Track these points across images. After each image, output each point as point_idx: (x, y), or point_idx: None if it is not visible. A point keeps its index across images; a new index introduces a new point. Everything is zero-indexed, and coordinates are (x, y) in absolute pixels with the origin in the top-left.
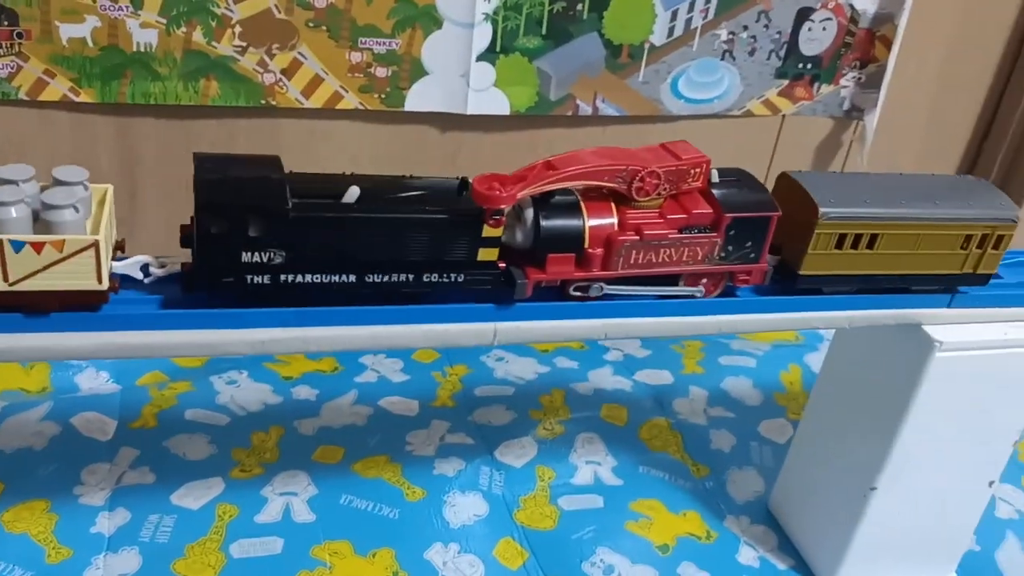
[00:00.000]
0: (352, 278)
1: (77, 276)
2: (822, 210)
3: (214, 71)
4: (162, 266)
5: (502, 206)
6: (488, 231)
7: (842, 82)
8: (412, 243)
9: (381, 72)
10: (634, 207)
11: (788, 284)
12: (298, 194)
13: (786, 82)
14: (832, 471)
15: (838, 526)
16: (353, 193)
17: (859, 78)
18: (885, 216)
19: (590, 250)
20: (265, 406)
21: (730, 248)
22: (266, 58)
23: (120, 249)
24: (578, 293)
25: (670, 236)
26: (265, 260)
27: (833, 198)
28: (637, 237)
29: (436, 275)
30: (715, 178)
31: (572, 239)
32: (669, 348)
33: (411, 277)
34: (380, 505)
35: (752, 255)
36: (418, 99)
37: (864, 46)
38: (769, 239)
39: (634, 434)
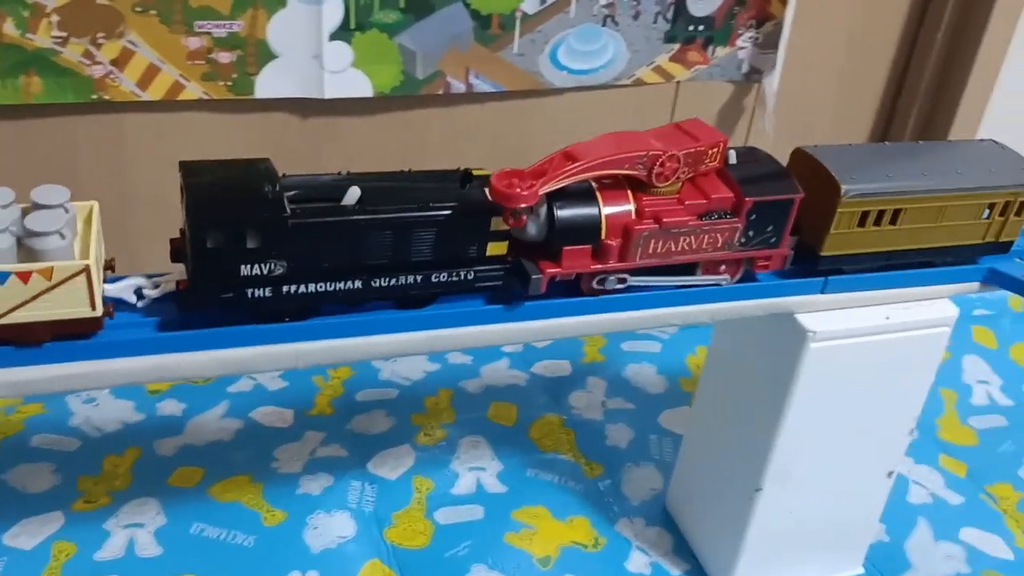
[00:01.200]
0: (358, 284)
1: (69, 304)
2: (845, 187)
3: (34, 66)
4: (156, 287)
5: (525, 204)
6: (497, 224)
7: (738, 43)
8: (419, 242)
9: (224, 57)
10: (651, 193)
11: (809, 266)
12: (295, 199)
13: (677, 46)
14: (720, 469)
15: (729, 526)
16: (354, 194)
17: (756, 38)
18: (910, 190)
19: (607, 241)
20: (124, 426)
21: (751, 233)
22: (92, 48)
23: (110, 268)
24: (598, 287)
25: (690, 223)
26: (266, 272)
27: (854, 173)
28: (656, 226)
29: (445, 274)
30: (732, 159)
31: (589, 230)
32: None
33: (419, 278)
34: (235, 533)
35: (773, 239)
36: (269, 85)
37: (759, 3)
38: (791, 223)
39: (524, 434)
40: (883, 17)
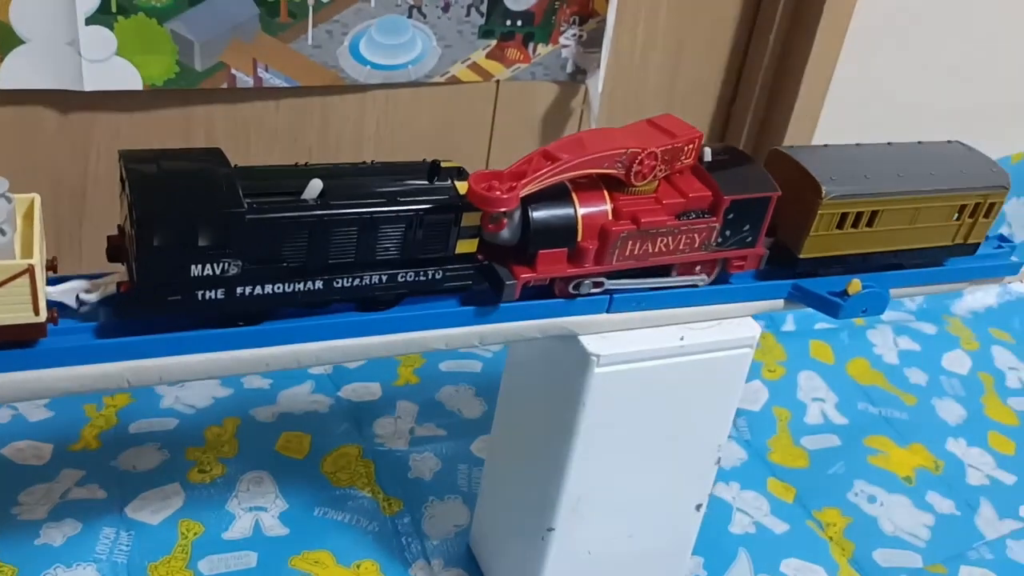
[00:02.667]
0: (319, 284)
1: (9, 308)
2: (826, 189)
3: None
4: (92, 290)
5: (505, 208)
6: (467, 220)
7: (561, 41)
8: (385, 240)
9: None
10: (628, 193)
11: (787, 268)
12: (251, 193)
13: (494, 43)
14: (515, 505)
15: (525, 568)
16: (315, 188)
17: (580, 36)
18: (887, 191)
19: (584, 243)
20: None
21: (728, 233)
22: None
23: (52, 269)
24: (573, 291)
25: (668, 223)
26: (218, 272)
27: (833, 175)
28: (634, 226)
29: (412, 273)
30: (707, 156)
31: (565, 233)
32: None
33: (384, 278)
34: None
35: (749, 239)
36: (17, 74)
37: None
38: (767, 221)
39: (316, 467)
40: (715, 18)
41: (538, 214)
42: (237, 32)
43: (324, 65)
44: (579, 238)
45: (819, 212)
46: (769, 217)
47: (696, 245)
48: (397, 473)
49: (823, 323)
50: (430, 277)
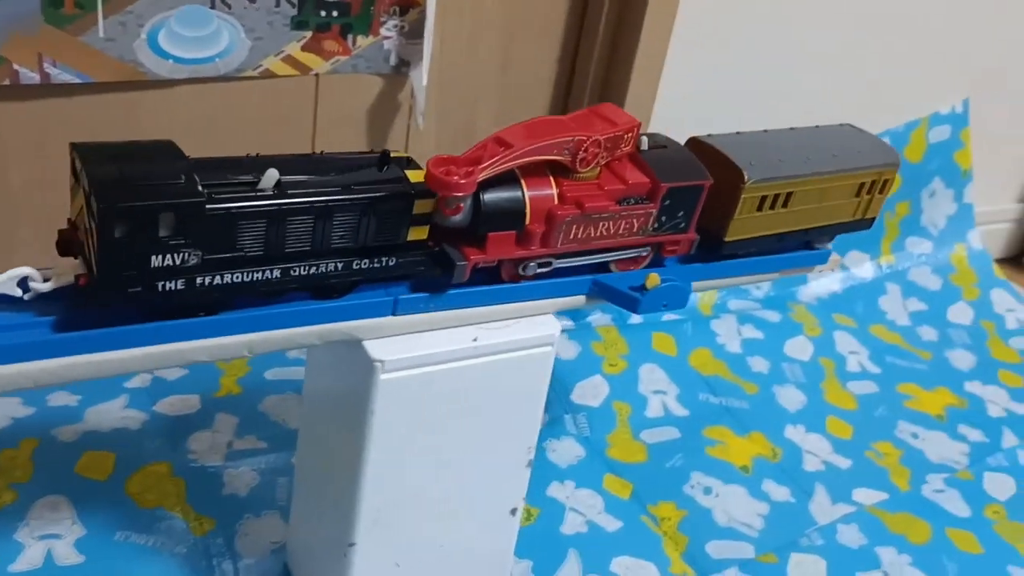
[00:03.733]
0: (276, 273)
1: None
2: (747, 174)
3: None
4: (46, 280)
5: (463, 193)
6: (420, 208)
7: (382, 32)
8: (340, 228)
9: None
10: (572, 179)
11: (713, 251)
12: (207, 183)
13: (309, 34)
14: (320, 520)
15: None
16: (271, 177)
17: (402, 27)
18: (800, 174)
19: (531, 227)
20: None
21: (663, 218)
22: None
23: None
24: (520, 273)
25: (610, 208)
26: (178, 262)
27: (752, 160)
28: (578, 211)
29: (367, 261)
30: (644, 144)
31: (514, 216)
32: (213, 365)
33: (340, 266)
34: None
35: (682, 224)
36: None
37: None
38: (699, 208)
39: (120, 489)
40: (545, 2)
41: (489, 197)
42: (17, 24)
43: (120, 59)
44: (527, 221)
45: (743, 196)
46: (701, 204)
47: (634, 230)
48: (210, 490)
49: (671, 314)
50: (383, 264)
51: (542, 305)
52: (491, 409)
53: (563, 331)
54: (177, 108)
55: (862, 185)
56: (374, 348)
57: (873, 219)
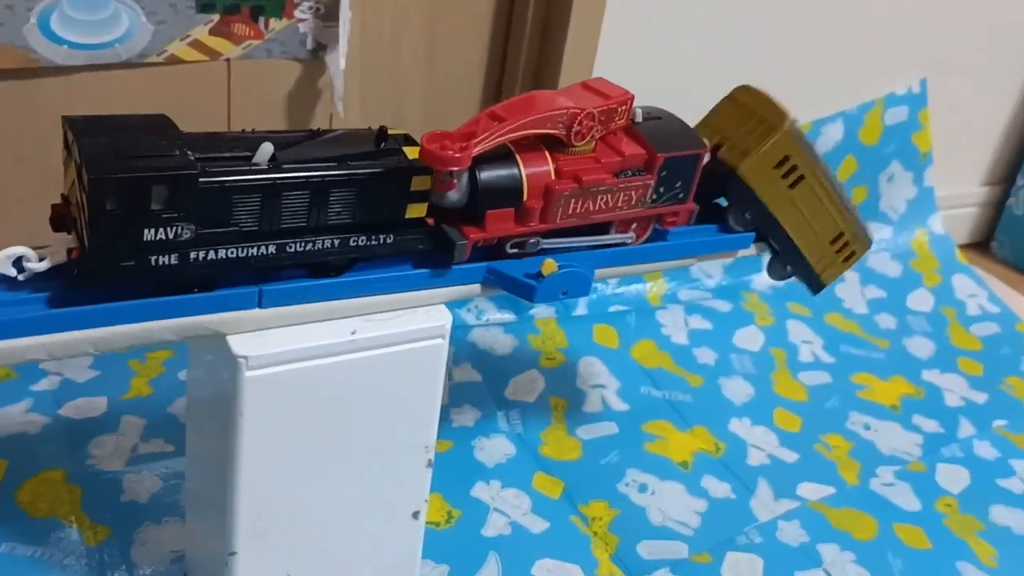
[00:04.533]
0: (272, 249)
1: None
2: (789, 118)
3: None
4: (42, 259)
5: (458, 168)
6: (417, 184)
7: (297, 14)
8: (337, 204)
9: None
10: (568, 153)
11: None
12: (201, 157)
13: (216, 17)
14: (205, 528)
15: None
16: (265, 152)
17: (317, 9)
18: (826, 176)
19: (529, 203)
20: None
21: (661, 190)
22: None
23: None
24: (515, 250)
25: (608, 181)
26: (171, 236)
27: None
28: (576, 185)
29: (364, 238)
30: (638, 116)
31: (511, 192)
32: (125, 364)
33: (336, 242)
34: None
35: (681, 195)
36: None
37: None
38: (697, 178)
39: (9, 497)
40: None
41: (485, 174)
42: None
43: (11, 45)
44: (525, 197)
45: (775, 138)
46: (699, 174)
47: (633, 202)
48: (107, 497)
49: (617, 306)
50: (381, 241)
51: (433, 295)
52: (379, 407)
53: (500, 325)
54: (77, 96)
55: (840, 235)
56: (238, 343)
57: (822, 286)
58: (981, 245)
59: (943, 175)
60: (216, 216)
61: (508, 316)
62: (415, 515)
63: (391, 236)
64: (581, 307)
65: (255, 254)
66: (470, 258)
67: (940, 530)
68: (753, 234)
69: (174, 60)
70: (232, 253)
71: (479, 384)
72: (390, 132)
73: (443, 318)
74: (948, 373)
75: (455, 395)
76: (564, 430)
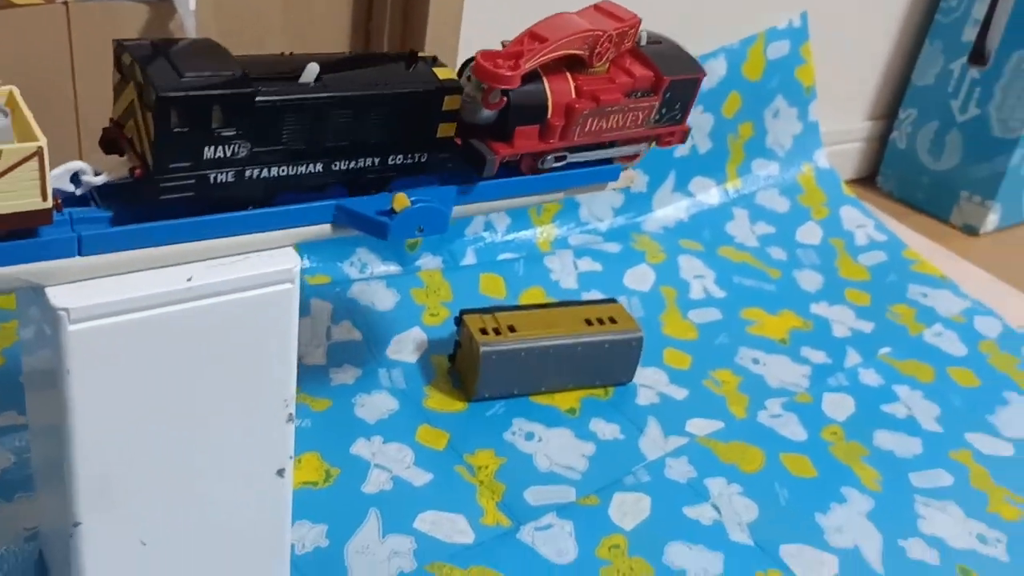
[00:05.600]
0: (319, 167)
1: (17, 195)
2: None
3: None
4: (97, 174)
5: (510, 86)
6: (448, 103)
7: None
8: (377, 122)
9: None
10: (586, 74)
11: None
12: (255, 77)
13: None
14: (53, 498)
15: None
16: (311, 71)
17: None
18: None
19: (552, 120)
20: None
21: (664, 111)
22: None
23: None
24: (540, 166)
25: (621, 101)
26: (229, 154)
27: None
28: (595, 104)
29: (401, 156)
30: (643, 40)
31: (538, 110)
32: None
33: (376, 161)
34: None
35: (678, 116)
36: None
37: None
38: (694, 100)
39: None
40: None
41: (516, 92)
42: None
43: None
44: (549, 115)
45: None
46: (696, 96)
47: (639, 122)
48: None
49: (506, 253)
50: (416, 160)
51: (278, 237)
52: (227, 360)
53: (380, 277)
54: None
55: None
56: (57, 295)
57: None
58: (867, 180)
59: (828, 111)
60: (269, 134)
61: (393, 268)
62: (280, 473)
63: (425, 155)
64: (469, 256)
65: (304, 172)
66: (319, 197)
67: (826, 458)
68: (620, 165)
69: (5, 4)
70: (283, 171)
71: (359, 343)
72: (420, 55)
73: (290, 261)
74: (836, 305)
75: (334, 354)
76: (449, 383)
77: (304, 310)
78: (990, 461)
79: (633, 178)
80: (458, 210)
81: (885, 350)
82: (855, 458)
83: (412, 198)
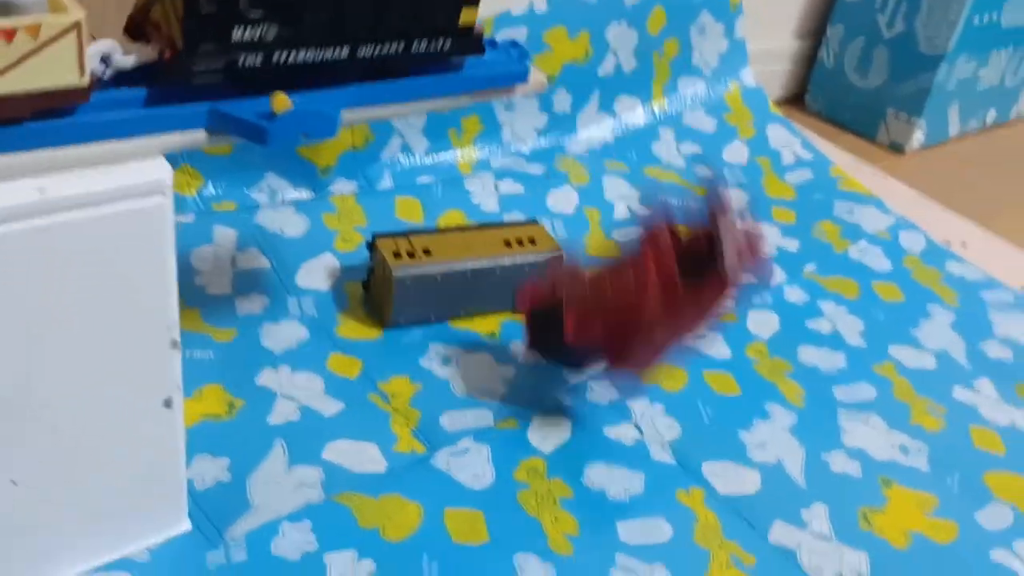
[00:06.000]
0: (344, 52)
1: (54, 71)
2: None
3: None
4: (128, 54)
5: None
6: None
7: None
8: (399, 5)
9: None
10: None
11: None
12: None
13: None
14: None
15: None
16: None
17: None
18: None
19: None
20: None
21: None
22: None
23: None
24: None
25: None
26: (257, 37)
27: None
28: None
29: (424, 43)
30: None
31: None
32: None
33: (400, 47)
34: None
35: None
36: None
37: None
38: None
39: None
40: None
41: None
42: None
43: None
44: None
45: None
46: None
47: None
48: None
49: (425, 176)
50: (440, 47)
51: (144, 145)
52: (94, 282)
53: (290, 203)
54: None
55: None
56: None
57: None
58: (797, 100)
59: (755, 30)
60: (295, 15)
61: (305, 194)
62: (167, 404)
63: (448, 41)
64: (386, 180)
65: (330, 57)
66: (191, 99)
67: (750, 375)
68: (529, 68)
69: None
70: (311, 56)
71: (266, 271)
72: None
73: (159, 172)
74: (762, 222)
75: (240, 282)
76: (363, 311)
77: (206, 237)
78: (913, 373)
79: (543, 82)
80: (355, 115)
81: (810, 267)
82: (779, 374)
83: (295, 101)
